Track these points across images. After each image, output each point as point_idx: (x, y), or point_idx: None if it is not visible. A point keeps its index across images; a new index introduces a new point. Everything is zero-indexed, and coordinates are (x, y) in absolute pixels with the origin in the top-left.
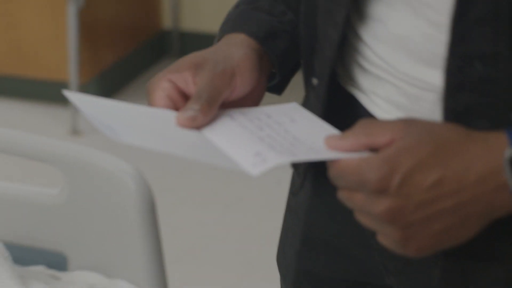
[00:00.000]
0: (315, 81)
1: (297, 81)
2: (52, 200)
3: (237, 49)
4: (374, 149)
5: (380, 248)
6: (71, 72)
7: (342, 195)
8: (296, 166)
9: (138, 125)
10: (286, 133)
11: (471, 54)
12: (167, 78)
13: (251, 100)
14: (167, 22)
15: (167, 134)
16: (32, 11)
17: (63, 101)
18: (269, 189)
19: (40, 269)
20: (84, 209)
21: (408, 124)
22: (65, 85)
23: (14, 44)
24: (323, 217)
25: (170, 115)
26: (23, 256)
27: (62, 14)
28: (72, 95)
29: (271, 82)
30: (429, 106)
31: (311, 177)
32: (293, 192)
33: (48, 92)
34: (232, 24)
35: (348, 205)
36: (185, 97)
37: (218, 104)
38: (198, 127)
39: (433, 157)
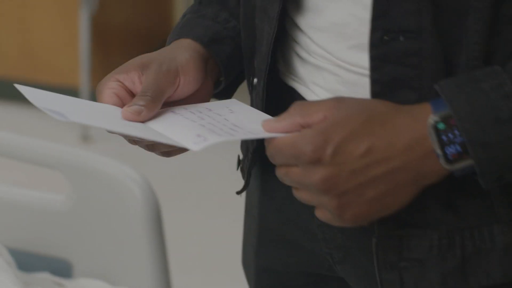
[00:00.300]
0: (255, 80)
1: (245, 88)
2: (58, 206)
3: (182, 51)
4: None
5: (325, 237)
6: (83, 77)
7: (280, 172)
8: (241, 165)
9: (86, 111)
10: (225, 121)
11: (395, 28)
12: (115, 78)
13: (196, 101)
14: None
15: (112, 119)
16: (44, 16)
17: None
18: None
19: (44, 275)
20: (89, 216)
21: (339, 101)
22: (76, 90)
23: (26, 48)
24: (273, 213)
25: (116, 109)
26: (28, 262)
27: (74, 19)
28: (23, 88)
29: (219, 87)
30: (366, 92)
31: (258, 176)
32: (240, 192)
33: None
34: (178, 31)
35: (286, 182)
36: (132, 96)
37: (162, 100)
38: (142, 121)
39: (363, 128)
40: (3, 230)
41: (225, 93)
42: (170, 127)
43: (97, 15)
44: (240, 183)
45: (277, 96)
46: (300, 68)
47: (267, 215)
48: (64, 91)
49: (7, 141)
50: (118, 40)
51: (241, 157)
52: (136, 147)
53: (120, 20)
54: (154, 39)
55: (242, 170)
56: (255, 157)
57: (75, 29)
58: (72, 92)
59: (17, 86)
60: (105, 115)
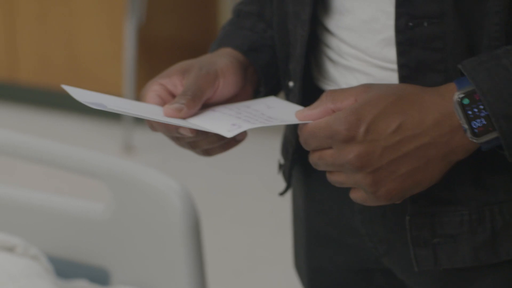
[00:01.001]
0: (291, 83)
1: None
2: (98, 215)
3: (222, 58)
4: None
5: (368, 232)
6: (127, 89)
7: (313, 157)
8: (282, 167)
9: (127, 105)
10: (262, 115)
11: (418, 14)
12: (158, 82)
13: None
14: None
15: (153, 113)
16: (91, 27)
17: (118, 118)
18: None
19: (82, 283)
20: (128, 225)
21: (368, 86)
22: None
23: (72, 59)
24: (318, 214)
25: (158, 108)
26: (66, 269)
27: (120, 30)
28: (69, 88)
29: (258, 95)
30: None
31: (302, 180)
32: (282, 193)
33: None
34: (219, 41)
35: (320, 167)
36: (174, 98)
37: (202, 100)
38: (183, 117)
39: (394, 107)
40: (43, 237)
41: None
42: (208, 120)
43: (143, 27)
44: (283, 197)
45: (313, 100)
46: (333, 71)
47: (312, 217)
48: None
49: (50, 149)
50: (163, 52)
51: (281, 162)
52: (179, 158)
53: (166, 32)
54: (198, 52)
55: (283, 173)
56: (295, 158)
57: (121, 40)
58: None
59: (63, 86)
60: (146, 110)
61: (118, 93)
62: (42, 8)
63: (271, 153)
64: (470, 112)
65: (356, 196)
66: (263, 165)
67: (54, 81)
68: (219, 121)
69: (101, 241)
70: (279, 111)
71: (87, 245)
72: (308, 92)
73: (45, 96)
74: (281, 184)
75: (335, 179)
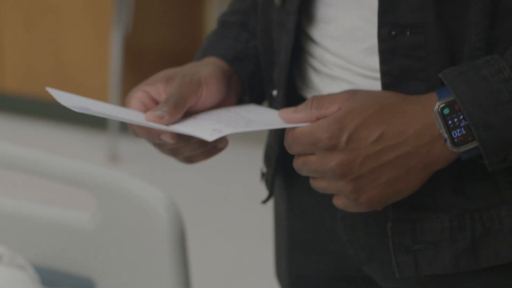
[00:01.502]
0: (274, 92)
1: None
2: (84, 224)
3: (206, 66)
4: None
5: (350, 239)
6: (113, 97)
7: (298, 162)
8: (265, 176)
9: (110, 109)
10: (242, 118)
11: (400, 23)
12: (142, 90)
13: None
14: None
15: (135, 118)
16: (77, 36)
17: (103, 127)
18: None
19: None
20: (114, 235)
21: (352, 93)
22: None
23: (58, 68)
24: (300, 221)
25: (141, 114)
26: (52, 279)
27: (107, 39)
28: (54, 91)
29: (242, 104)
30: None
31: (284, 188)
32: (265, 201)
33: (88, 118)
34: (203, 51)
35: (304, 172)
36: (157, 105)
37: (184, 108)
38: (164, 124)
39: (376, 116)
40: (28, 247)
41: None
42: (189, 126)
43: (129, 36)
44: (268, 208)
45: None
46: (316, 80)
47: (295, 224)
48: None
49: (36, 158)
50: (150, 61)
51: (264, 170)
52: (164, 168)
53: (152, 41)
54: (184, 61)
55: (266, 182)
56: (278, 165)
57: (107, 49)
58: None
59: (48, 89)
60: (130, 115)
61: (104, 102)
62: (29, 17)
63: (257, 164)
64: (450, 122)
65: (339, 202)
66: (248, 175)
67: (40, 90)
68: (200, 126)
69: (87, 250)
70: (260, 116)
71: (73, 255)
72: (292, 101)
73: (31, 104)
74: (267, 193)
75: (318, 185)
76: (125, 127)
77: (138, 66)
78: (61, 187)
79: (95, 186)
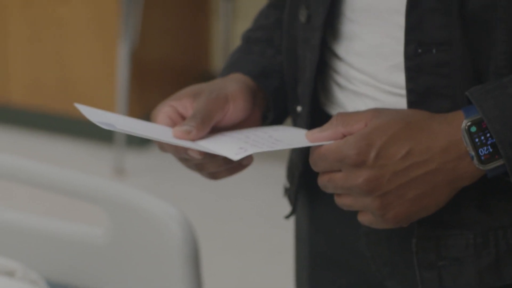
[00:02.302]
0: (299, 108)
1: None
2: (97, 240)
3: (232, 82)
4: None
5: (373, 255)
6: (119, 112)
7: (323, 179)
8: (287, 191)
9: (137, 126)
10: (269, 137)
11: (426, 40)
12: (169, 104)
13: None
14: (216, 65)
15: (162, 134)
16: (84, 50)
17: (110, 140)
18: None
19: None
20: (127, 251)
21: (378, 111)
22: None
23: (64, 82)
24: (322, 237)
25: (168, 129)
26: None
27: (113, 54)
28: (81, 107)
29: (266, 120)
30: None
31: (306, 203)
32: (288, 216)
33: (94, 131)
34: (229, 67)
35: (329, 189)
36: (184, 120)
37: (211, 123)
38: (191, 140)
39: (403, 133)
40: (41, 261)
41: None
42: (216, 143)
43: (136, 50)
44: (278, 223)
45: (320, 125)
46: (341, 96)
47: (317, 240)
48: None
49: (48, 173)
50: (156, 75)
51: (287, 185)
52: (170, 182)
53: (159, 56)
54: (191, 76)
55: (289, 197)
56: (301, 182)
57: (113, 64)
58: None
59: (76, 105)
60: (156, 131)
61: None
62: (34, 30)
63: (264, 178)
64: (477, 140)
65: (364, 219)
66: (256, 190)
67: (46, 103)
68: (227, 144)
69: (99, 266)
70: (287, 135)
71: (86, 270)
72: (316, 117)
73: (36, 117)
74: (274, 208)
75: (343, 202)
76: (131, 141)
77: (144, 80)
78: (71, 201)
79: (108, 202)
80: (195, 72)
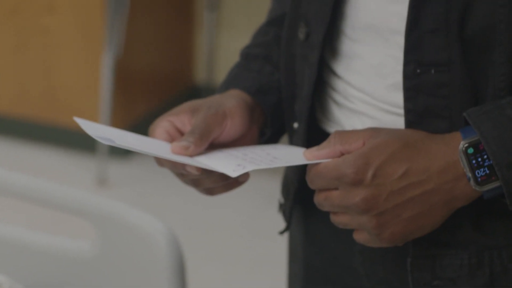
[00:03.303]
0: (295, 125)
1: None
2: (83, 253)
3: (230, 99)
4: None
5: (368, 273)
6: (103, 121)
7: (319, 197)
8: (282, 207)
9: (135, 140)
10: (267, 155)
11: (425, 61)
12: (167, 119)
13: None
14: (200, 75)
15: (160, 149)
16: (68, 59)
17: (93, 150)
18: None
19: None
20: (113, 265)
21: (376, 130)
22: None
23: (49, 90)
24: (317, 254)
25: (166, 144)
26: None
27: (98, 63)
28: (80, 121)
29: (264, 136)
30: None
31: (301, 219)
32: (282, 232)
33: (78, 140)
34: (227, 83)
35: (324, 207)
36: (182, 135)
37: (209, 139)
38: (190, 155)
39: (401, 153)
40: (27, 274)
41: (269, 143)
42: (214, 159)
43: (121, 60)
44: (262, 233)
45: (317, 142)
46: (338, 114)
47: (311, 256)
48: (84, 134)
49: (34, 185)
50: (140, 85)
51: (281, 201)
52: (154, 193)
53: (143, 65)
54: (175, 85)
55: (283, 213)
56: (296, 198)
57: (98, 73)
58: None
59: (75, 118)
60: (154, 146)
61: None
62: (20, 39)
63: (247, 188)
64: (474, 161)
65: (360, 237)
66: (240, 200)
67: (31, 112)
68: (225, 161)
69: (86, 279)
70: (285, 153)
71: (72, 283)
72: (313, 134)
73: (21, 126)
74: (259, 219)
75: (339, 220)
76: (114, 151)
77: (128, 89)
78: (54, 214)
79: (95, 216)
80: (179, 81)
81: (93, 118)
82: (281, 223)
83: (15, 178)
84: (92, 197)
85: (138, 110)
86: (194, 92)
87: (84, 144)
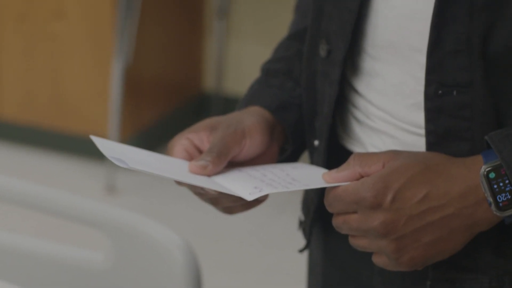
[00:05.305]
0: (316, 142)
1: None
2: (97, 265)
3: (250, 116)
4: None
5: None
6: (112, 129)
7: (337, 220)
8: (302, 224)
9: (151, 161)
10: (286, 176)
11: (447, 82)
12: (186, 137)
13: (261, 164)
14: (209, 83)
15: (178, 170)
16: (77, 65)
17: (101, 157)
18: (303, 258)
19: None
20: (128, 277)
21: (396, 152)
22: None
23: (57, 97)
24: (336, 271)
25: (184, 163)
26: None
27: (107, 70)
28: (96, 139)
29: (284, 154)
30: None
31: (320, 236)
32: (302, 250)
33: (86, 147)
34: (247, 100)
35: (343, 230)
36: (200, 153)
37: (227, 158)
38: (208, 175)
39: (421, 176)
40: (41, 286)
41: (290, 160)
42: (232, 181)
43: (130, 67)
44: (271, 242)
45: (337, 159)
46: (358, 131)
47: (330, 274)
48: (92, 141)
49: (48, 197)
50: (149, 92)
51: (301, 218)
52: (162, 201)
53: (152, 73)
54: (184, 93)
55: (303, 230)
56: (316, 216)
57: (107, 80)
58: None
59: (92, 137)
60: (172, 167)
61: (103, 132)
62: (28, 44)
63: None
64: (495, 186)
65: (379, 260)
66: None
67: (38, 118)
68: (242, 182)
69: None
70: (305, 174)
71: None
72: (333, 151)
73: (28, 133)
74: (267, 227)
75: (358, 243)
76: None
77: (137, 97)
78: (70, 224)
79: (110, 227)
80: (188, 89)
81: (101, 125)
82: (291, 233)
83: (29, 188)
84: (107, 208)
85: (147, 117)
86: (203, 99)
87: (92, 151)
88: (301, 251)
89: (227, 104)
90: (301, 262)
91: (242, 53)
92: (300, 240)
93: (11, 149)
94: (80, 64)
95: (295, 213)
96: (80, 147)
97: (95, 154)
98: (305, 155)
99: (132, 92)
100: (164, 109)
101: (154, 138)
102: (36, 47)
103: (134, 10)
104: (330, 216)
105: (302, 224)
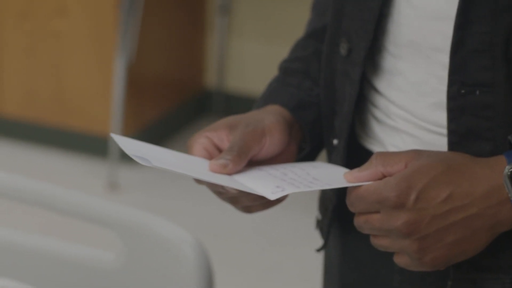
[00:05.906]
0: (335, 141)
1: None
2: (109, 264)
3: (269, 115)
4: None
5: None
6: (114, 126)
7: (359, 220)
8: (320, 224)
9: (172, 159)
10: (307, 175)
11: (470, 82)
12: (205, 135)
13: (280, 163)
14: (211, 81)
15: (198, 169)
16: (80, 63)
17: (104, 154)
18: (308, 255)
19: None
20: (139, 276)
21: (419, 152)
22: (106, 138)
23: (59, 94)
24: (353, 271)
25: (204, 161)
26: None
27: (109, 67)
28: (117, 137)
29: (302, 152)
30: None
31: (338, 235)
32: (319, 250)
33: (89, 144)
34: (265, 99)
35: (365, 230)
36: (220, 152)
37: (248, 157)
38: (228, 173)
39: (444, 176)
40: (52, 285)
41: (308, 159)
42: (253, 179)
43: (133, 65)
44: (273, 239)
45: (356, 159)
46: (378, 131)
47: (348, 273)
48: (94, 138)
49: (59, 195)
50: (151, 90)
51: (319, 218)
52: (164, 197)
53: (154, 71)
54: (187, 90)
55: (321, 230)
56: (334, 215)
57: (109, 77)
58: (102, 140)
59: (112, 135)
60: (192, 165)
61: (105, 130)
62: (30, 42)
63: None
64: None
65: (400, 260)
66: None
67: (40, 116)
68: (263, 182)
69: None
70: (326, 173)
71: None
72: (352, 151)
73: (30, 129)
74: (272, 223)
75: (380, 243)
76: (125, 155)
77: (140, 94)
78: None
79: (121, 227)
80: (190, 86)
81: (104, 122)
82: (296, 230)
83: (40, 187)
84: (118, 207)
85: (149, 114)
86: (205, 97)
87: (94, 148)
88: (318, 250)
89: (229, 102)
90: (306, 259)
91: (243, 50)
92: (304, 237)
93: (14, 146)
94: (82, 61)
95: (301, 211)
96: (82, 144)
97: (98, 151)
98: (322, 154)
99: (134, 89)
100: (166, 107)
101: (156, 136)
102: (38, 45)
103: (136, 7)
104: (348, 215)
105: (319, 224)
